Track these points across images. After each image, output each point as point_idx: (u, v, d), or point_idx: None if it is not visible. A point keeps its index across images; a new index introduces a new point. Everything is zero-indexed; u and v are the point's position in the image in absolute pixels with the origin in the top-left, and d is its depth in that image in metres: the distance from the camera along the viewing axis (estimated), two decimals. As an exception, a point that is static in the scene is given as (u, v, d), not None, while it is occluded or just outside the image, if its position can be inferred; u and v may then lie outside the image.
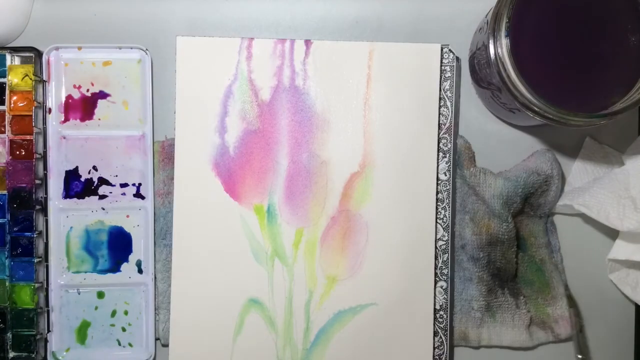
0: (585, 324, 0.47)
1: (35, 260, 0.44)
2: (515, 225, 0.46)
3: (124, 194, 0.45)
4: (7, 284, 0.44)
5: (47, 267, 0.45)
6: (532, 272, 0.46)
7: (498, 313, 0.46)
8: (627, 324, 0.47)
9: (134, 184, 0.45)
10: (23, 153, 0.44)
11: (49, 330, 0.45)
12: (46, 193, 0.45)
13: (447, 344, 0.44)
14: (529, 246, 0.47)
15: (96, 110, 0.45)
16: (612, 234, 0.47)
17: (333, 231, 0.44)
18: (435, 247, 0.44)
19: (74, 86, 0.45)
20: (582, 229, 0.47)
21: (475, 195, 0.45)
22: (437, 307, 0.44)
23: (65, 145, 0.45)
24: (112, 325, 0.45)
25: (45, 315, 0.45)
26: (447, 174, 0.44)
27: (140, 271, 0.45)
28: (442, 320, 0.44)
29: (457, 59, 0.46)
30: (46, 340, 0.45)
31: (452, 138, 0.44)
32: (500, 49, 0.38)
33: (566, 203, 0.45)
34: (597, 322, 0.47)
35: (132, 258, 0.45)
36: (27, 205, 0.44)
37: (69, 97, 0.45)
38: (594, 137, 0.47)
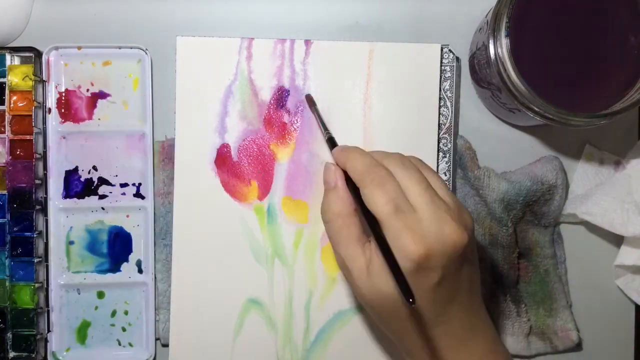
0: (587, 328, 0.47)
1: (35, 260, 0.44)
2: (522, 234, 0.46)
3: (124, 194, 0.45)
4: (7, 284, 0.44)
5: (47, 267, 0.45)
6: (535, 282, 0.46)
7: (498, 319, 0.46)
8: (627, 324, 0.47)
9: (134, 184, 0.45)
10: (23, 153, 0.44)
11: (49, 330, 0.45)
12: (46, 193, 0.45)
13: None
14: (534, 256, 0.46)
15: (96, 110, 0.45)
16: (617, 240, 0.46)
17: (333, 231, 0.44)
18: (435, 247, 0.44)
19: (74, 86, 0.45)
20: (586, 237, 0.47)
21: (478, 197, 0.45)
22: (437, 307, 0.44)
23: (65, 145, 0.45)
24: (112, 325, 0.45)
25: (46, 315, 0.45)
26: (447, 174, 0.44)
27: (140, 271, 0.45)
28: (442, 320, 0.44)
29: (457, 59, 0.46)
30: (46, 340, 0.45)
31: (452, 138, 0.44)
32: (500, 49, 0.38)
33: (569, 212, 0.45)
34: (598, 325, 0.47)
35: (132, 258, 0.45)
36: (27, 205, 0.44)
37: (68, 97, 0.45)
38: (594, 144, 0.47)
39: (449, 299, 0.34)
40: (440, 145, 0.44)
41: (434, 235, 0.32)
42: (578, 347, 0.46)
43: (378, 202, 0.32)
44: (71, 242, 0.45)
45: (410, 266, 0.31)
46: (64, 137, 0.45)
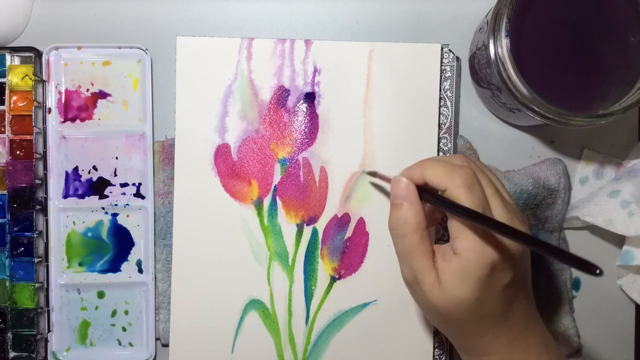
0: (587, 328, 0.47)
1: (35, 260, 0.44)
2: None
3: (124, 193, 0.45)
4: (7, 284, 0.44)
5: (47, 267, 0.45)
6: (539, 287, 0.46)
7: None
8: (627, 324, 0.47)
9: (134, 184, 0.45)
10: (23, 153, 0.44)
11: (49, 330, 0.45)
12: (46, 193, 0.45)
13: (447, 344, 0.44)
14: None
15: (96, 110, 0.45)
16: (620, 242, 0.46)
17: (333, 231, 0.44)
18: (435, 247, 0.44)
19: (74, 86, 0.45)
20: (590, 242, 0.47)
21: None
22: (437, 307, 0.44)
23: (65, 145, 0.45)
24: (113, 325, 0.45)
25: (46, 315, 0.45)
26: (447, 174, 0.44)
27: (140, 271, 0.45)
28: (442, 320, 0.44)
29: (457, 59, 0.46)
30: (46, 340, 0.45)
31: (452, 138, 0.44)
32: (500, 49, 0.38)
33: (572, 215, 0.45)
34: (598, 324, 0.47)
35: (132, 258, 0.45)
36: (27, 205, 0.44)
37: (68, 97, 0.45)
38: (595, 144, 0.46)
39: (515, 297, 0.35)
40: (440, 145, 0.44)
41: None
42: (577, 353, 0.47)
43: (472, 201, 0.33)
44: (71, 242, 0.45)
45: (485, 272, 0.32)
46: (64, 137, 0.45)
